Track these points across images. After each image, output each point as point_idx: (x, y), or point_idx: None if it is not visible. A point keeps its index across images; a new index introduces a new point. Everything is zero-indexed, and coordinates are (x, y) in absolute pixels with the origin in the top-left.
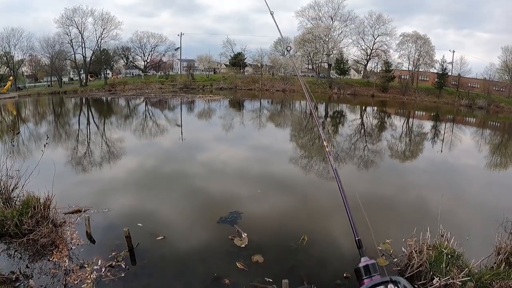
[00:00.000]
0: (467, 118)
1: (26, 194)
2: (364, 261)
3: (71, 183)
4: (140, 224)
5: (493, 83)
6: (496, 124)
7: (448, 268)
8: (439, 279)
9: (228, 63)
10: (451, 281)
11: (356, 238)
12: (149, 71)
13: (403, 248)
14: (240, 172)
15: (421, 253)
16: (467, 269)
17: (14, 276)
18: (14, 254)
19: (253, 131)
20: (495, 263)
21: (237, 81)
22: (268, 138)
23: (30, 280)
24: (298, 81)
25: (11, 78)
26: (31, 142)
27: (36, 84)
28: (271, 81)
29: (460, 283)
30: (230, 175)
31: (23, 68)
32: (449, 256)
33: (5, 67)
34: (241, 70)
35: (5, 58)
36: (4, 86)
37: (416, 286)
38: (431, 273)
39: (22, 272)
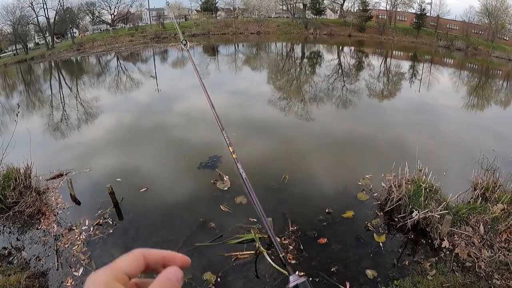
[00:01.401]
0: (445, 59)
1: (5, 168)
2: (293, 281)
3: (50, 149)
4: (119, 179)
5: (472, 26)
6: (474, 66)
7: (426, 202)
8: (418, 212)
9: (199, 9)
10: (429, 214)
11: (281, 255)
12: (118, 24)
13: (382, 183)
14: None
15: (400, 187)
16: (444, 203)
17: (6, 252)
18: (3, 229)
19: (230, 76)
20: (471, 198)
21: (210, 26)
22: (245, 82)
23: (22, 252)
24: (272, 23)
25: None
26: (5, 115)
27: (1, 55)
28: (245, 24)
29: (439, 216)
30: (208, 122)
31: None
32: (428, 190)
33: None
34: (213, 15)
35: None
36: None
37: (396, 219)
38: (410, 206)
39: (14, 245)
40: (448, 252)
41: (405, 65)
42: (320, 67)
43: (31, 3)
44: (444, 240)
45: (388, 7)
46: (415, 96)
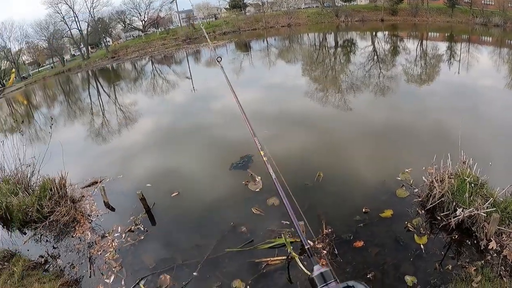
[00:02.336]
0: (483, 37)
1: (41, 179)
2: (317, 270)
3: (88, 156)
4: (149, 185)
5: (508, 0)
6: None
7: (471, 198)
8: (462, 210)
9: (228, 6)
10: (475, 212)
11: (306, 247)
12: (149, 29)
13: (423, 178)
14: (253, 115)
15: (443, 182)
16: (491, 198)
17: (43, 260)
18: (40, 238)
19: (264, 71)
20: None
21: (240, 23)
22: (279, 76)
23: (58, 259)
24: (302, 14)
25: (13, 70)
26: (47, 126)
27: (39, 69)
28: (275, 18)
29: (485, 214)
30: (240, 121)
31: (23, 57)
32: (472, 184)
33: (5, 61)
34: (243, 11)
35: (2, 53)
36: (9, 80)
37: (439, 217)
38: (454, 203)
39: (50, 253)
40: (495, 255)
41: (442, 47)
42: (355, 55)
43: (63, 18)
44: (491, 240)
45: None
46: (454, 79)
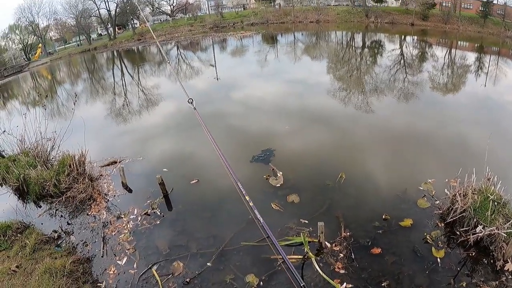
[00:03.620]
0: None
1: (61, 154)
2: None
3: (107, 136)
4: (165, 169)
5: None
6: None
7: (493, 216)
8: (483, 228)
9: None
10: (495, 231)
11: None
12: (177, 15)
13: (446, 190)
14: (275, 108)
15: (466, 197)
16: None
17: (56, 235)
18: (55, 213)
19: (288, 65)
20: None
21: (268, 15)
22: (304, 72)
23: (71, 236)
24: (332, 11)
25: (39, 45)
26: (69, 102)
27: (66, 46)
28: (304, 13)
29: (505, 235)
30: (265, 112)
31: (50, 33)
32: (495, 203)
33: (33, 36)
34: (272, 4)
35: (30, 28)
36: (35, 54)
37: (458, 232)
38: (475, 220)
39: (64, 229)
40: (510, 277)
41: (471, 57)
42: (382, 57)
43: None
44: (508, 262)
45: None
46: (481, 91)
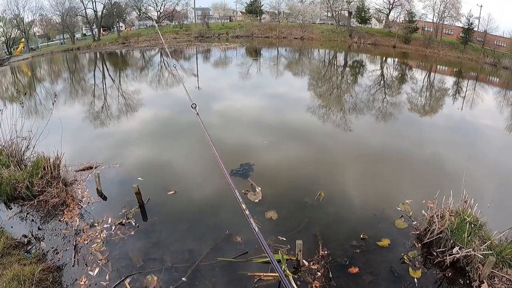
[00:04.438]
0: (491, 77)
1: (36, 155)
2: None
3: (84, 140)
4: (140, 178)
5: None
6: None
7: (469, 238)
8: (460, 249)
9: (244, 11)
10: (472, 253)
11: None
12: (163, 21)
13: (423, 211)
14: (254, 122)
15: (443, 218)
16: (489, 241)
17: (26, 240)
18: (26, 216)
19: (270, 80)
20: None
21: (254, 28)
22: (285, 87)
23: (41, 242)
24: (317, 29)
25: (22, 40)
26: (47, 101)
27: (48, 43)
28: (289, 29)
29: (481, 256)
30: (244, 125)
31: (34, 29)
32: (472, 225)
33: (16, 30)
34: (258, 18)
35: (15, 21)
36: (17, 48)
37: (434, 253)
38: (452, 241)
39: (34, 234)
40: None
41: (449, 81)
42: (362, 77)
43: None
44: (484, 283)
45: (435, 19)
46: (457, 114)
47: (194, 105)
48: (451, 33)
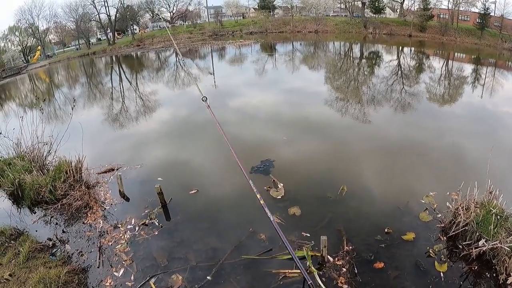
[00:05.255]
0: (510, 63)
1: (58, 159)
2: None
3: (104, 142)
4: (160, 178)
5: None
6: None
7: (496, 229)
8: (486, 242)
9: (256, 7)
10: (498, 245)
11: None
12: (176, 22)
13: (447, 203)
14: (272, 118)
15: (468, 210)
16: None
17: (51, 243)
18: (50, 220)
19: (286, 75)
20: None
21: (267, 24)
22: (301, 81)
23: (66, 245)
24: (331, 22)
25: (38, 48)
26: (66, 106)
27: (64, 49)
28: (303, 23)
29: (508, 249)
30: (263, 122)
31: (49, 36)
32: (498, 216)
33: (32, 38)
34: (271, 13)
35: (30, 30)
36: (34, 56)
37: (460, 246)
38: (478, 233)
39: (59, 237)
40: None
41: (468, 68)
42: (379, 68)
43: (93, 1)
44: (511, 276)
45: (450, 6)
46: (477, 102)
47: (205, 98)
48: (467, 19)
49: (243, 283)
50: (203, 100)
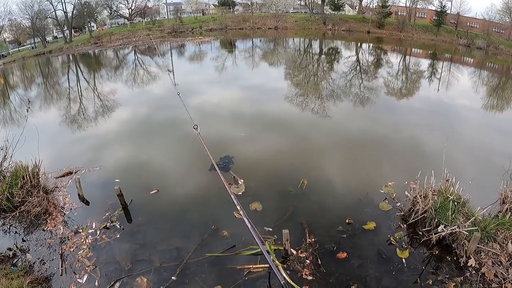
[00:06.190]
0: (465, 58)
1: (14, 165)
2: None
3: (62, 145)
4: (117, 180)
5: (493, 24)
6: (495, 66)
7: (453, 215)
8: (445, 227)
9: (217, 3)
10: (457, 229)
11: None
12: (135, 18)
13: (406, 192)
14: (232, 115)
15: (426, 198)
16: (473, 217)
17: (11, 253)
18: (9, 229)
19: (246, 71)
20: (499, 211)
21: (227, 21)
22: (261, 77)
23: (27, 254)
24: (290, 18)
25: None
26: (22, 108)
27: (20, 48)
28: (263, 19)
29: (467, 232)
30: (222, 119)
31: (3, 35)
32: (455, 203)
33: None
34: (231, 10)
35: None
36: None
37: (420, 232)
38: (436, 220)
39: (19, 247)
40: (474, 272)
41: (424, 63)
42: (338, 64)
43: None
44: (471, 258)
45: (407, 4)
46: (434, 96)
47: (196, 126)
48: (424, 16)
49: (208, 281)
50: (194, 128)
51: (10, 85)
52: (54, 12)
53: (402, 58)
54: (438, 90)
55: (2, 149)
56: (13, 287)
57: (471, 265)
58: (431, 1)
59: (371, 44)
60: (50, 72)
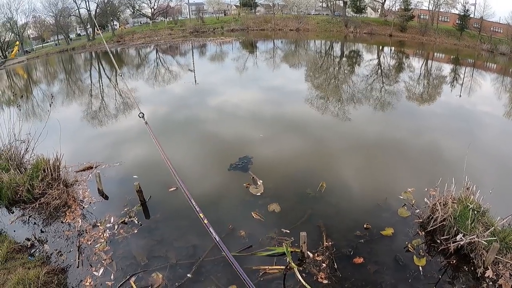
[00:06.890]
0: (488, 63)
1: (35, 158)
2: None
3: (83, 140)
4: (136, 176)
5: None
6: None
7: (473, 224)
8: (463, 236)
9: (238, 4)
10: (476, 239)
11: None
12: (157, 18)
13: (425, 199)
14: (252, 116)
15: (446, 206)
16: (492, 227)
17: (29, 243)
18: (28, 220)
19: (267, 72)
20: None
21: (249, 21)
22: (282, 79)
23: (45, 245)
24: (312, 20)
25: (17, 43)
26: (45, 102)
27: (43, 45)
28: (284, 20)
29: (485, 242)
30: (241, 119)
31: (28, 31)
32: (475, 211)
33: (10, 33)
34: (253, 11)
35: (8, 24)
36: (12, 52)
37: (438, 240)
38: (455, 228)
39: (37, 237)
40: (491, 283)
41: (447, 68)
42: (359, 67)
43: None
44: (488, 269)
45: (430, 7)
46: (456, 101)
47: (142, 114)
48: (447, 20)
49: (223, 280)
50: (139, 116)
51: (33, 80)
52: (77, 10)
53: (424, 63)
54: (460, 95)
55: (24, 142)
56: (30, 276)
57: (489, 276)
58: (454, 5)
59: (393, 48)
60: (73, 68)
